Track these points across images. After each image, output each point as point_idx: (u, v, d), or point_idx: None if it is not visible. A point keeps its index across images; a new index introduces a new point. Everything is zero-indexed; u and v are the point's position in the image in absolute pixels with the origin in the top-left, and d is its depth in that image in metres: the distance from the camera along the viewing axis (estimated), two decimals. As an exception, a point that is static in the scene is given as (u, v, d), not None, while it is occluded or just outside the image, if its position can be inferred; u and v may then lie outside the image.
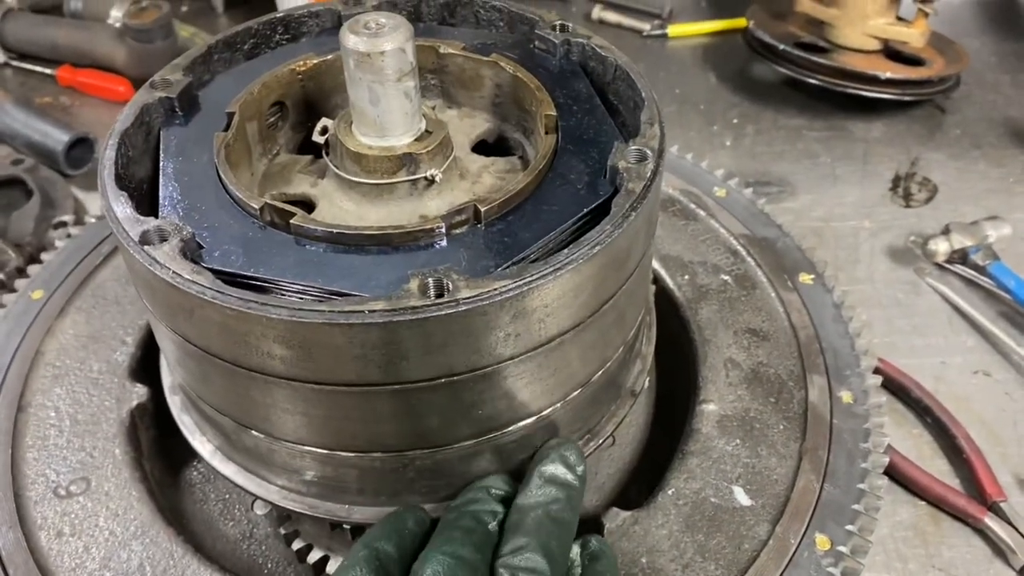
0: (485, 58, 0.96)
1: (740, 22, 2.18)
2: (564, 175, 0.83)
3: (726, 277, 1.17)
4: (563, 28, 0.98)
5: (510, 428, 0.80)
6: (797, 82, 1.91)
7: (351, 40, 0.79)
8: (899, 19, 1.91)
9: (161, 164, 0.85)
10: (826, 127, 1.92)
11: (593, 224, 0.78)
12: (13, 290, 1.49)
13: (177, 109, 0.90)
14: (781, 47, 1.88)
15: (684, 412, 1.06)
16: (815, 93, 1.93)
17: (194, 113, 0.91)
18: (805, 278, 1.16)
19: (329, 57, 0.95)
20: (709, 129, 1.92)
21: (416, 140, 0.86)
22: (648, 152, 0.81)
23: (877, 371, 1.22)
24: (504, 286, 0.69)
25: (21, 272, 1.53)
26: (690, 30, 2.22)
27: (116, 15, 2.15)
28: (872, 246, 1.64)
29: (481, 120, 0.99)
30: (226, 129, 0.86)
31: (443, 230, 0.76)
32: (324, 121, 0.91)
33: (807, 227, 1.67)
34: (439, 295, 0.68)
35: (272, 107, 0.94)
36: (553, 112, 0.88)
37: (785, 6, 2.07)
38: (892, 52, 1.93)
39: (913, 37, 1.87)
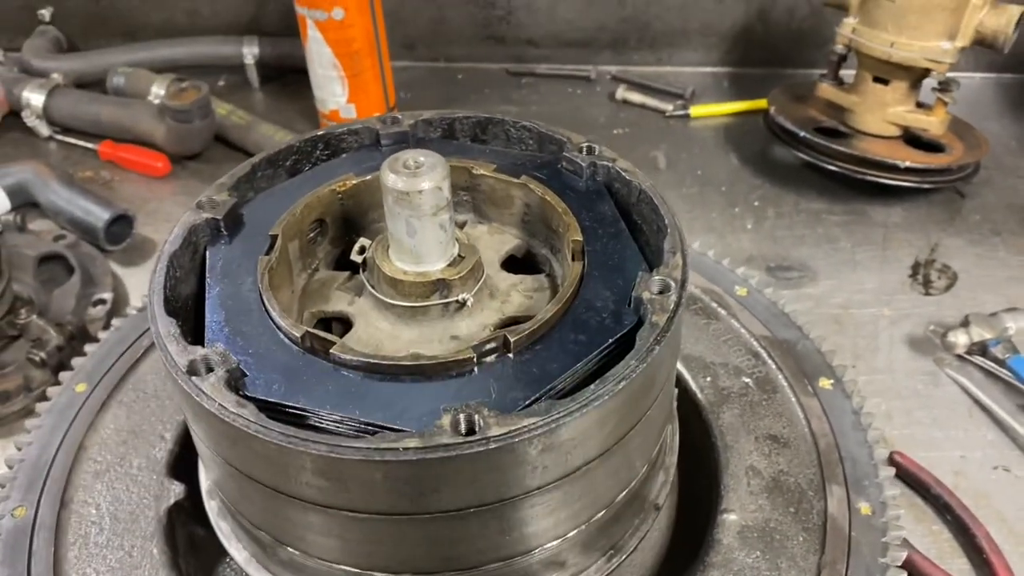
0: (515, 180, 1.00)
1: (761, 103, 2.23)
2: (590, 303, 0.86)
3: (747, 380, 1.20)
4: (590, 150, 1.03)
5: (536, 550, 0.83)
6: (817, 166, 1.95)
7: (391, 179, 0.83)
8: (919, 105, 1.95)
9: (207, 285, 0.89)
10: (846, 211, 1.95)
11: (618, 351, 0.82)
12: (53, 370, 1.56)
13: (223, 229, 0.95)
14: (802, 134, 1.92)
15: (704, 516, 1.08)
16: (835, 176, 1.96)
17: (238, 231, 0.96)
18: (825, 383, 1.19)
19: (368, 178, 1.00)
20: (731, 211, 1.96)
21: (449, 266, 0.90)
22: (671, 283, 0.84)
23: (894, 463, 1.23)
24: (533, 423, 0.72)
25: (61, 350, 1.58)
26: (712, 111, 2.27)
27: (157, 92, 2.24)
28: (891, 335, 1.66)
29: (510, 236, 1.04)
30: (269, 252, 0.91)
31: (474, 360, 0.80)
32: (362, 241, 0.95)
33: (827, 314, 1.70)
34: (470, 432, 0.72)
35: (312, 224, 0.99)
36: (580, 238, 0.92)
37: (805, 90, 2.12)
38: (911, 137, 1.96)
39: (933, 125, 1.90)
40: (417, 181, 0.83)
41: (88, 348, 1.27)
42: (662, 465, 1.00)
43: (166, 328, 0.81)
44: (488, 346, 0.80)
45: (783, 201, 1.99)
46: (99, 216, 1.85)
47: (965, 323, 1.60)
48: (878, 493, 1.06)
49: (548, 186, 0.99)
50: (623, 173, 1.00)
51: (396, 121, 1.08)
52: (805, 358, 1.22)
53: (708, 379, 1.19)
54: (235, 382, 0.77)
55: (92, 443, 1.13)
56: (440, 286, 0.89)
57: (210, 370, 0.77)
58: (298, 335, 0.81)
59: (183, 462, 1.12)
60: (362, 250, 0.95)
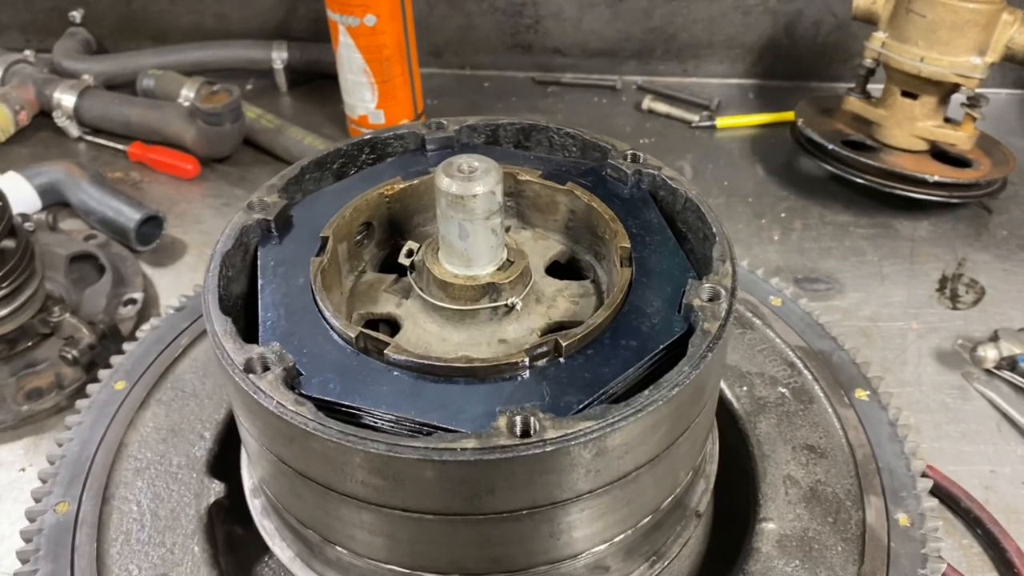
0: (561, 186, 1.01)
1: (787, 115, 2.23)
2: (639, 309, 0.87)
3: (783, 390, 1.20)
4: (634, 158, 1.03)
5: (583, 554, 0.83)
6: (844, 179, 1.95)
7: (444, 182, 0.84)
8: (947, 120, 1.95)
9: (260, 285, 0.90)
10: (872, 224, 1.95)
11: (667, 358, 0.83)
12: (84, 368, 1.57)
13: (273, 230, 0.96)
14: (830, 147, 1.92)
15: (740, 525, 1.08)
16: (861, 189, 1.96)
17: (288, 231, 0.97)
18: (861, 394, 1.19)
19: (415, 182, 1.01)
20: (757, 222, 1.97)
21: (499, 270, 0.91)
22: (722, 291, 0.85)
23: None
24: (588, 427, 0.73)
25: (92, 349, 1.60)
26: (738, 122, 2.27)
27: (186, 94, 2.25)
28: (919, 348, 1.66)
29: (554, 242, 1.04)
30: (319, 253, 0.92)
31: (526, 363, 0.80)
32: (410, 244, 0.96)
33: (855, 327, 1.70)
34: (525, 434, 0.72)
35: (360, 226, 1.00)
36: (628, 244, 0.92)
37: (832, 103, 2.12)
38: (938, 151, 1.97)
39: (961, 140, 1.90)
40: (471, 185, 0.84)
41: (127, 346, 1.28)
42: (703, 473, 1.00)
43: (222, 326, 0.82)
44: (540, 350, 0.81)
45: (809, 213, 1.99)
46: (130, 217, 1.87)
47: (994, 338, 1.60)
48: (916, 505, 1.06)
49: (595, 193, 1.00)
50: (669, 181, 1.01)
51: (441, 127, 1.09)
52: (840, 369, 1.23)
53: (744, 388, 1.20)
54: (291, 380, 0.78)
55: (132, 440, 1.14)
56: (490, 290, 0.89)
57: (266, 368, 0.78)
58: (352, 335, 0.82)
59: (222, 461, 1.13)
60: (410, 253, 0.95)
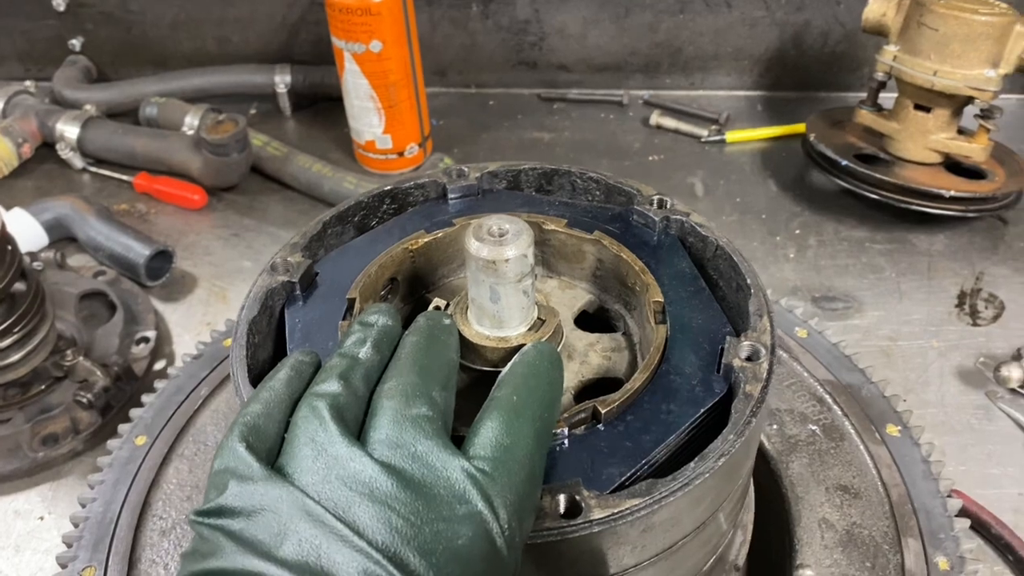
0: (588, 236, 0.99)
1: (797, 127, 2.22)
2: (678, 368, 0.85)
3: (814, 427, 1.18)
4: (661, 204, 1.02)
5: (627, 623, 0.82)
6: (857, 194, 1.93)
7: (475, 246, 0.82)
8: (960, 131, 1.94)
9: (289, 351, 0.88)
10: (888, 239, 1.93)
11: (707, 419, 0.81)
12: (100, 411, 1.55)
13: (298, 291, 0.94)
14: (844, 163, 1.90)
15: (775, 570, 1.07)
16: (875, 204, 1.94)
17: (312, 291, 0.95)
18: (892, 430, 1.17)
19: (439, 234, 0.99)
20: (772, 240, 1.95)
21: (530, 330, 0.89)
22: (761, 349, 0.83)
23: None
24: (635, 505, 0.71)
25: (107, 391, 1.58)
26: (748, 135, 2.25)
27: (191, 122, 2.23)
28: (941, 367, 1.65)
29: (582, 291, 1.03)
30: (346, 316, 0.90)
31: (565, 432, 0.79)
32: (436, 301, 0.94)
33: (875, 346, 1.68)
34: (570, 513, 0.71)
35: (385, 283, 0.98)
36: (661, 299, 0.90)
37: (843, 115, 2.11)
38: (952, 163, 1.95)
39: (975, 152, 1.89)
40: (503, 250, 0.82)
41: (145, 398, 1.26)
42: (741, 524, 0.99)
43: (254, 402, 0.80)
44: (578, 417, 0.79)
45: (824, 229, 1.97)
46: (139, 252, 1.85)
47: (1017, 356, 1.58)
48: (955, 547, 1.05)
49: (622, 241, 0.98)
50: (698, 228, 0.99)
51: (462, 174, 1.07)
52: (870, 403, 1.21)
53: (775, 427, 1.18)
54: (327, 459, 0.76)
55: (156, 499, 1.13)
56: (522, 351, 0.88)
57: (301, 447, 0.76)
58: (386, 407, 0.80)
59: (249, 518, 1.11)
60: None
